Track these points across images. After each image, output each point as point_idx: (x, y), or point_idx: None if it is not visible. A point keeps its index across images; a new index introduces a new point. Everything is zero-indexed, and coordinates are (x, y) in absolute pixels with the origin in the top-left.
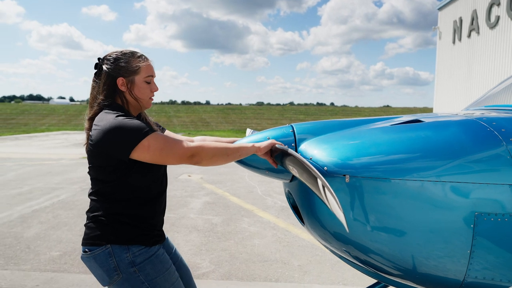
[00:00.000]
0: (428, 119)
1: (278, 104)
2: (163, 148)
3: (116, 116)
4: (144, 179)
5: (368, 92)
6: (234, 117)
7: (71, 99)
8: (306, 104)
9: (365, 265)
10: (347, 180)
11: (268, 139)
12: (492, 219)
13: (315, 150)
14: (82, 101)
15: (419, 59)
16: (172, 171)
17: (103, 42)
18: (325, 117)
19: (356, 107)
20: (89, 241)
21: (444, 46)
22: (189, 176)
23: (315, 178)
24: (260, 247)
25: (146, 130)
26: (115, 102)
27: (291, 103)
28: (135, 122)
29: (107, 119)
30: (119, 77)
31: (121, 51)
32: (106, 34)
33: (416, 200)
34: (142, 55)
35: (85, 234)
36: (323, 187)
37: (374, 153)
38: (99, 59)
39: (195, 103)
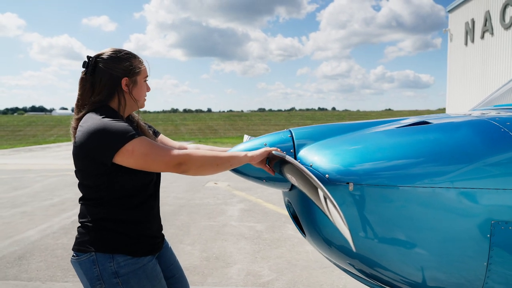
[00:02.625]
0: (437, 121)
1: (279, 110)
2: (148, 154)
3: (102, 118)
4: (131, 183)
5: (369, 96)
6: (241, 123)
7: (74, 110)
8: (307, 109)
9: (372, 279)
10: (350, 188)
11: (265, 145)
12: (510, 227)
13: (316, 157)
14: None
15: (419, 62)
16: (198, 179)
17: None
18: (331, 122)
19: (358, 111)
20: (76, 247)
21: (456, 48)
22: (216, 183)
23: (315, 188)
24: (314, 253)
25: (131, 134)
26: (107, 104)
27: (293, 109)
28: (121, 124)
29: (92, 119)
30: (124, 77)
31: (118, 50)
32: (107, 44)
33: (426, 208)
34: (138, 55)
35: (75, 238)
36: (325, 198)
37: (379, 158)
38: (89, 57)
39: (196, 110)
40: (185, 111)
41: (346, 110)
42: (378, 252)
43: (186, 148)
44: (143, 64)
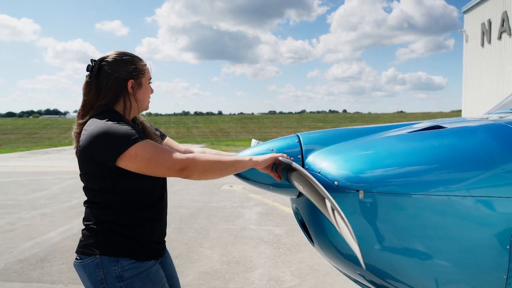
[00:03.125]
0: (451, 125)
1: (290, 113)
2: (151, 158)
3: (106, 121)
4: (136, 187)
5: (381, 98)
6: (252, 126)
7: (77, 114)
8: (318, 112)
9: None
10: (360, 196)
11: (272, 151)
12: None
13: (324, 163)
14: None
15: (431, 64)
16: (213, 181)
17: None
18: (343, 124)
19: (369, 113)
20: (80, 249)
21: (472, 49)
22: (231, 186)
23: (323, 198)
24: None
25: (135, 137)
26: (112, 108)
27: (303, 111)
28: (124, 128)
29: (96, 123)
30: (130, 79)
31: (123, 53)
32: (119, 48)
33: (441, 217)
34: (140, 57)
35: (79, 241)
36: (333, 209)
37: (391, 164)
38: (93, 61)
39: (207, 113)
40: (196, 113)
41: (357, 113)
42: (390, 263)
43: (192, 152)
44: (147, 67)
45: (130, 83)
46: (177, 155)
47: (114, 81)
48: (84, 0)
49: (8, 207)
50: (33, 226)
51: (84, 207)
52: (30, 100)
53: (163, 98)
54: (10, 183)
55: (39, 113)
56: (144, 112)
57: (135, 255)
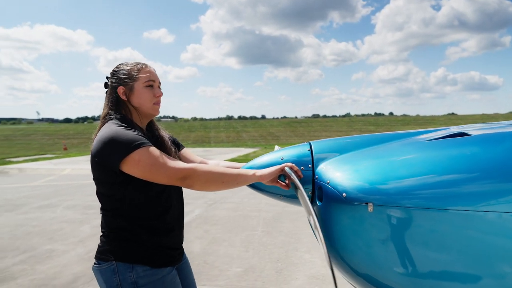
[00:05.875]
0: (476, 132)
1: (334, 116)
2: (153, 165)
3: (115, 126)
4: (143, 194)
5: (429, 100)
6: (302, 130)
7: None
8: (363, 115)
9: None
10: (370, 209)
11: (282, 159)
12: None
13: (334, 173)
14: None
15: (485, 63)
16: None
17: (162, 63)
18: (395, 127)
19: (418, 115)
20: (97, 255)
21: None
22: None
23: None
24: None
25: (139, 143)
26: (120, 113)
27: (347, 114)
28: (130, 133)
29: (105, 129)
30: (119, 86)
31: (120, 63)
32: (165, 55)
33: (462, 234)
34: (142, 63)
35: (98, 247)
36: (316, 228)
37: (405, 176)
38: (107, 77)
39: (250, 117)
40: (239, 118)
41: (404, 115)
42: (404, 283)
43: (206, 164)
44: (142, 69)
45: (120, 90)
46: (179, 164)
47: (110, 91)
48: (132, 11)
49: (98, 208)
50: None
51: (100, 214)
52: (84, 106)
53: (208, 102)
54: (89, 185)
55: (93, 118)
56: (189, 117)
57: (149, 262)
